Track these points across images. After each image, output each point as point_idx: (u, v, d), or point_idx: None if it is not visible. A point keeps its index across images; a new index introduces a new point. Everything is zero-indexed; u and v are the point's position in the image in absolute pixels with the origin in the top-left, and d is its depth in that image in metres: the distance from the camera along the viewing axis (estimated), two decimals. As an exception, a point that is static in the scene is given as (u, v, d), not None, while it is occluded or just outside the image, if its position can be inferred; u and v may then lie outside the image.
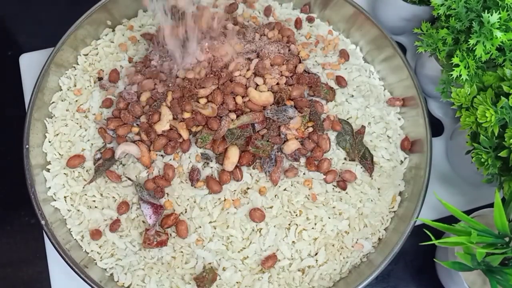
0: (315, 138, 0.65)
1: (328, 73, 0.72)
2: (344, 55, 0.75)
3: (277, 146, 0.65)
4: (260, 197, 0.63)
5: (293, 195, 0.64)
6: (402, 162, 0.70)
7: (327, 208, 0.64)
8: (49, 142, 0.67)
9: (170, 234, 0.62)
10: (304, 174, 0.65)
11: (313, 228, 0.63)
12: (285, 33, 0.73)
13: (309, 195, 0.64)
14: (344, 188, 0.65)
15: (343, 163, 0.68)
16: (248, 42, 0.70)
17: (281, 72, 0.68)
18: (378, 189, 0.67)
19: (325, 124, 0.67)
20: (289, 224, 0.63)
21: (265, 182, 0.64)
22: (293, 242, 0.62)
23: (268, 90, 0.65)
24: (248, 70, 0.67)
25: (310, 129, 0.66)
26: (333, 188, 0.65)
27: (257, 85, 0.66)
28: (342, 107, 0.71)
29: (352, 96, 0.72)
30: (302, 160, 0.66)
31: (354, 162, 0.67)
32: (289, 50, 0.71)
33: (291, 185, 0.64)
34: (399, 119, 0.72)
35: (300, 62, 0.70)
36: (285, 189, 0.64)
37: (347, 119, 0.70)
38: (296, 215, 0.64)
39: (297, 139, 0.65)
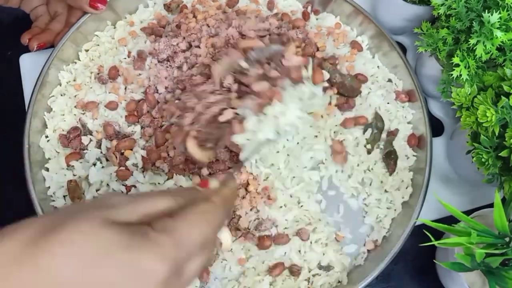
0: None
1: (348, 66, 0.71)
2: (356, 45, 0.74)
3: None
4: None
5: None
6: (408, 158, 0.69)
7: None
8: (47, 140, 0.67)
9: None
10: None
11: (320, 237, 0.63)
12: (296, 23, 0.72)
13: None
14: None
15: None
16: (261, 20, 0.69)
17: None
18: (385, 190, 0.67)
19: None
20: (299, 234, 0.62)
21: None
22: (305, 251, 0.62)
23: None
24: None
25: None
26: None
27: None
28: (368, 101, 0.70)
29: (370, 90, 0.72)
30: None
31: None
32: (306, 35, 0.70)
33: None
34: (406, 116, 0.71)
35: (318, 50, 0.70)
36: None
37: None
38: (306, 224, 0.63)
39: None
